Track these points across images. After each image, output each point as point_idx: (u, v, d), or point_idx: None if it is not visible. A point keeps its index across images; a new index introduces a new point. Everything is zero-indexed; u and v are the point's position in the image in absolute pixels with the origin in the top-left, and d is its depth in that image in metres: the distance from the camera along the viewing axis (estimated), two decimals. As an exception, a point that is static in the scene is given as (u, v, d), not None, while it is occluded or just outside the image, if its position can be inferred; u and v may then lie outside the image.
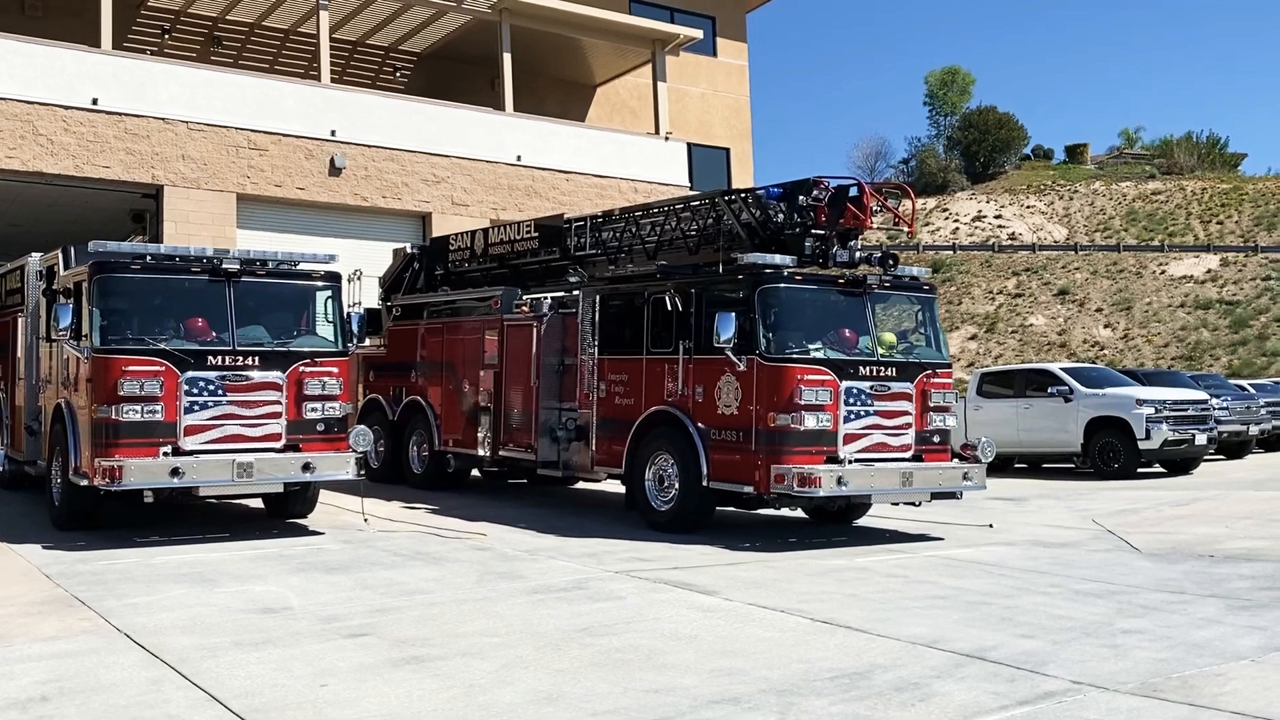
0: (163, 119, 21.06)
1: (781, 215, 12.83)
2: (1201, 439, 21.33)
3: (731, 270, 12.49)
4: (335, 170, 22.21)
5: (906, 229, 13.73)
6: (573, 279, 14.87)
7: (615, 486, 14.84)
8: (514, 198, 24.15)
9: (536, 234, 16.32)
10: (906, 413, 12.43)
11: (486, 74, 25.70)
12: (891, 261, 12.74)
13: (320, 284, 13.24)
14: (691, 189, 25.21)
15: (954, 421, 13.17)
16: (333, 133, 22.32)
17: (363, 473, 12.75)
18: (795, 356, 11.93)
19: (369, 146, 22.67)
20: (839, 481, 11.59)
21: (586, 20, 25.26)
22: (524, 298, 15.96)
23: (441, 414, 16.78)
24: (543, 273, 16.38)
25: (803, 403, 11.71)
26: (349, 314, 13.36)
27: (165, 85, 21.26)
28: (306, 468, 12.30)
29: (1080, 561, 11.12)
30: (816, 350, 12.16)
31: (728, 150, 30.90)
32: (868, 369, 12.23)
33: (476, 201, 23.66)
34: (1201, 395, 22.64)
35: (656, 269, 13.43)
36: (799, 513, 13.95)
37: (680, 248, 13.88)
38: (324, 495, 14.17)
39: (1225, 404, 24.65)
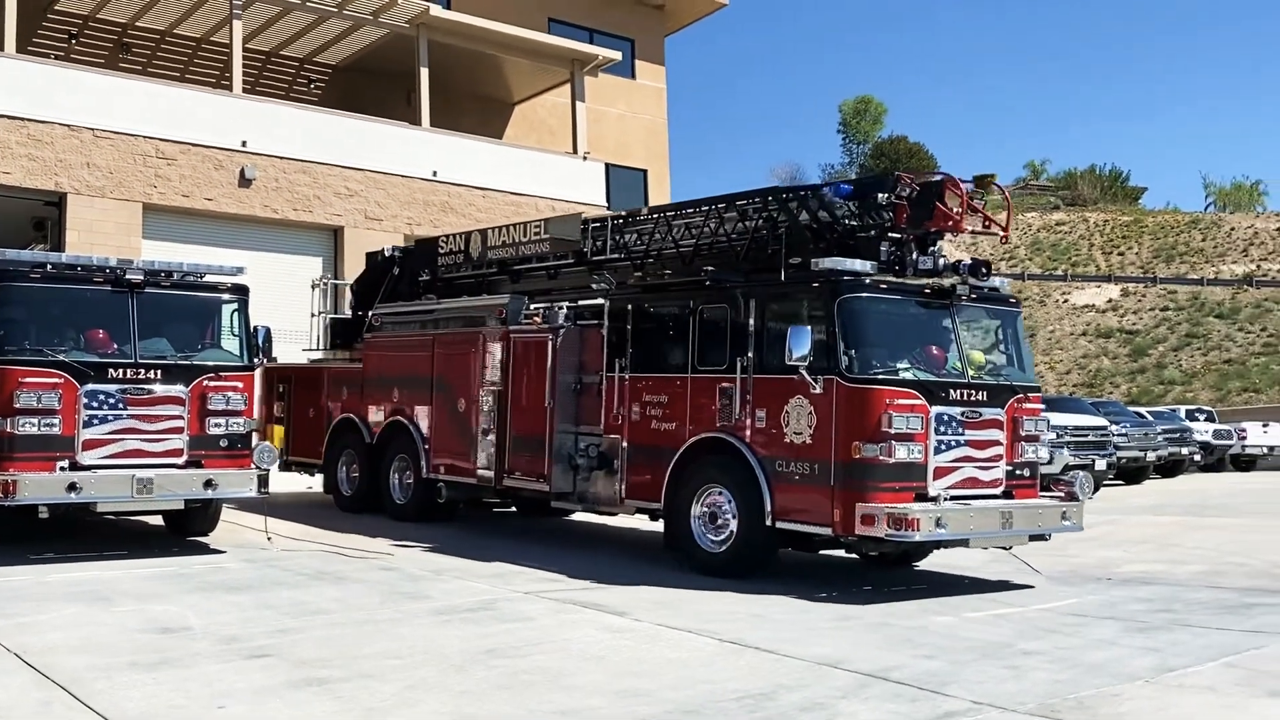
0: (68, 125, 20.55)
1: (850, 216, 11.37)
2: (1101, 464, 21.86)
3: (803, 277, 10.86)
4: (245, 181, 21.85)
5: (1000, 233, 11.84)
6: (597, 286, 13.21)
7: (617, 520, 14.14)
8: (429, 213, 23.98)
9: (548, 236, 14.53)
10: (998, 443, 10.86)
11: (403, 88, 25.53)
12: (985, 270, 11.25)
13: (226, 297, 12.98)
14: (608, 209, 25.25)
15: (1046, 453, 11.62)
16: (244, 143, 21.97)
17: (266, 490, 12.49)
18: (882, 377, 10.34)
19: (281, 158, 22.36)
20: (938, 523, 9.97)
21: (505, 38, 25.22)
22: (532, 307, 14.16)
23: (431, 437, 14.81)
24: (551, 280, 14.80)
25: (893, 431, 10.07)
26: (256, 328, 13.11)
27: (71, 91, 20.76)
28: (209, 484, 12.03)
29: (982, 584, 11.29)
30: (905, 370, 10.62)
31: (645, 171, 31.03)
32: (958, 393, 10.67)
33: (391, 216, 23.45)
34: (1101, 421, 23.22)
35: (706, 276, 11.75)
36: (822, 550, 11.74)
37: (722, 252, 12.18)
38: (227, 513, 13.86)
39: (1124, 431, 25.32)
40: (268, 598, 9.88)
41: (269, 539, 13.22)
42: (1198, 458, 30.18)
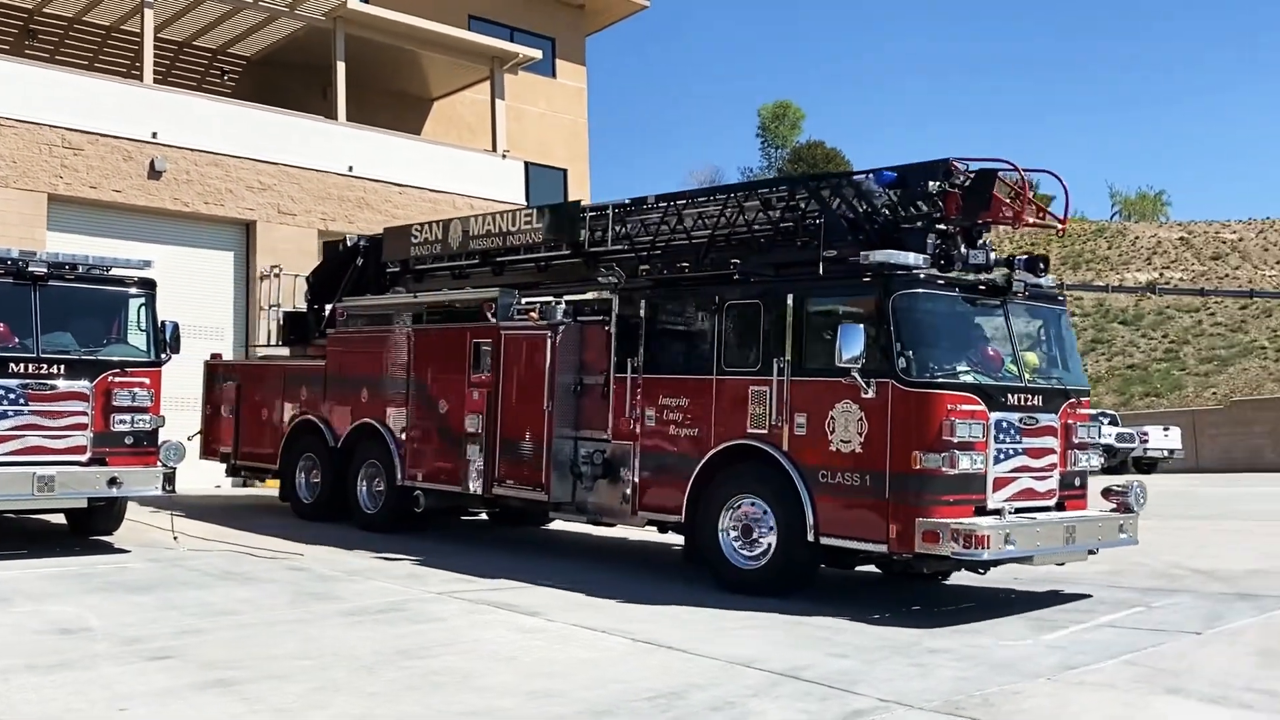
0: (-32, 112, 19.91)
1: (889, 205, 10.64)
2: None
3: (851, 271, 10.08)
4: (155, 173, 21.34)
5: (1058, 226, 10.93)
6: (604, 279, 12.07)
7: (624, 533, 13.49)
8: (344, 209, 23.65)
9: (540, 224, 13.67)
10: (1053, 451, 10.19)
11: (319, 82, 25.14)
12: (1043, 266, 10.54)
13: (133, 290, 12.71)
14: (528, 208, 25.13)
15: (1098, 461, 10.96)
16: (154, 135, 21.46)
17: (171, 488, 12.23)
18: (942, 380, 9.58)
19: (192, 150, 21.87)
20: (1006, 540, 9.16)
21: (424, 34, 24.97)
22: (523, 301, 13.29)
23: (407, 441, 13.80)
24: (541, 272, 13.90)
25: (955, 439, 9.29)
26: (164, 323, 12.83)
27: (-28, 77, 20.11)
28: (113, 482, 11.77)
29: (894, 583, 11.45)
30: (965, 373, 9.88)
31: (565, 171, 30.93)
32: (1016, 397, 9.97)
33: (304, 211, 23.08)
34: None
35: (735, 269, 10.89)
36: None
37: (741, 243, 11.37)
38: (133, 512, 13.57)
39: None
40: (172, 598, 9.69)
41: (175, 538, 12.97)
42: (1101, 460, 30.88)
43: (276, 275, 18.08)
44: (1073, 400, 10.53)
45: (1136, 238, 63.81)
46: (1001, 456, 9.69)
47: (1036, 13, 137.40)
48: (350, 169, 23.86)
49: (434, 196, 24.76)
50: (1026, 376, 10.18)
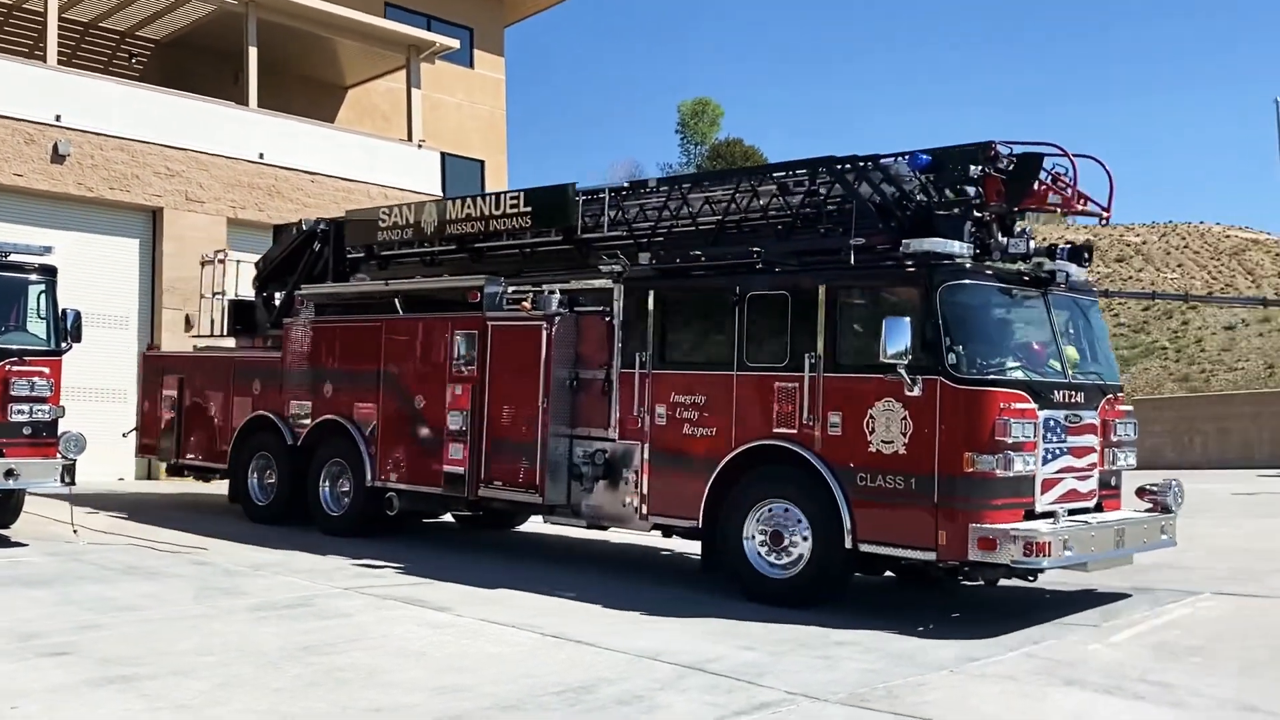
0: None
1: (925, 191, 10.04)
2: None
3: (889, 260, 9.51)
4: (59, 157, 20.76)
5: (1103, 214, 10.21)
6: (607, 268, 11.35)
7: (623, 538, 12.78)
8: (255, 196, 23.23)
9: (529, 209, 12.70)
10: (1093, 449, 9.75)
11: (230, 67, 24.66)
12: (1088, 255, 10.12)
13: (33, 277, 12.40)
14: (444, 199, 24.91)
15: (1134, 459, 10.47)
16: (58, 117, 20.88)
17: (71, 480, 11.93)
18: (994, 378, 9.06)
19: (98, 134, 21.32)
20: (1065, 546, 8.72)
21: (339, 20, 24.62)
22: (511, 290, 12.48)
23: (379, 439, 12.98)
24: (526, 260, 13.03)
25: (1010, 440, 8.80)
26: (65, 311, 12.51)
27: None
28: (9, 474, 11.48)
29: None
30: (1014, 369, 9.37)
31: (483, 162, 30.72)
32: (1061, 394, 9.48)
33: (214, 199, 22.63)
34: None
35: (759, 257, 10.20)
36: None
37: (755, 230, 10.72)
38: (31, 504, 13.21)
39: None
40: (71, 593, 9.46)
41: (75, 531, 12.65)
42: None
43: (221, 261, 16.77)
44: (1110, 396, 10.12)
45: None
46: (1049, 457, 9.23)
47: (948, 13, 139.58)
48: (261, 156, 23.45)
49: (347, 186, 24.44)
50: (1069, 372, 9.71)
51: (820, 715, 6.35)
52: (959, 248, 9.28)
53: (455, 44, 27.49)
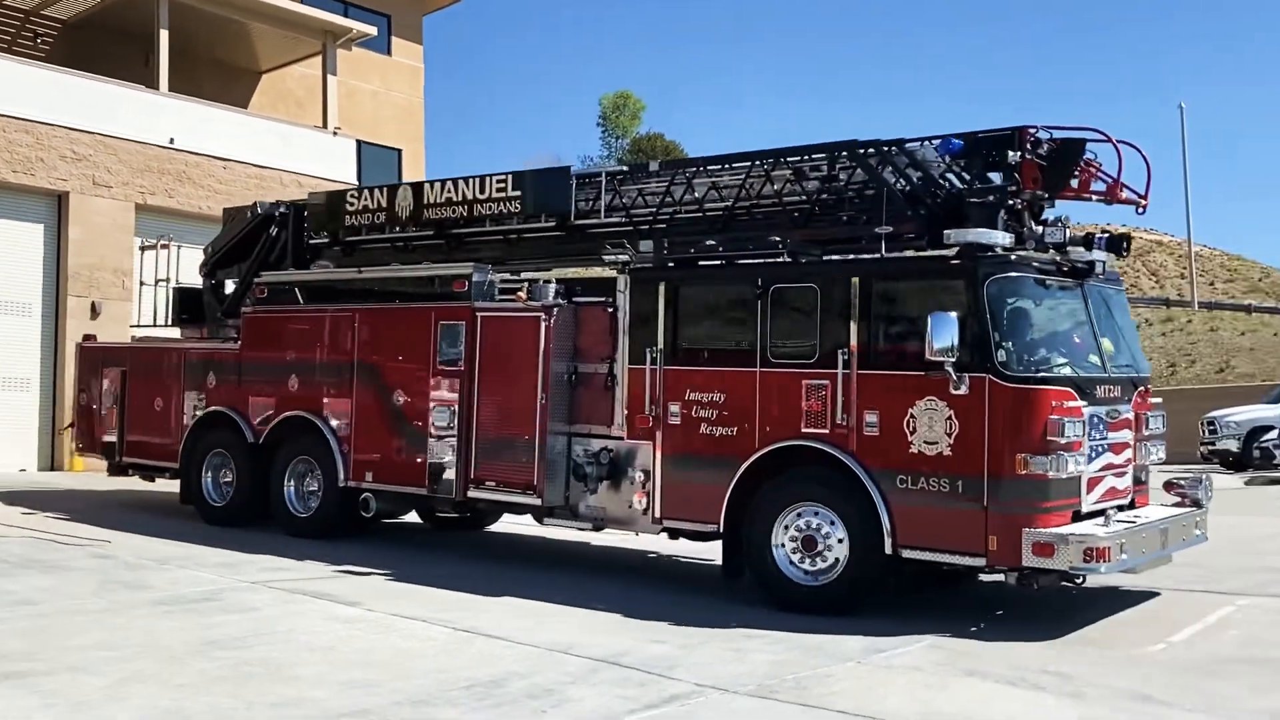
0: None
1: (953, 177, 9.68)
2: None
3: (930, 250, 9.22)
4: (-42, 138, 20.16)
5: (1141, 203, 9.76)
6: (611, 256, 10.85)
7: (623, 542, 12.19)
8: (164, 182, 22.74)
9: (519, 193, 11.99)
10: (1128, 445, 9.47)
11: (140, 49, 24.09)
12: (1126, 246, 9.73)
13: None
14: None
15: (1163, 453, 10.19)
16: (-43, 97, 20.27)
17: None
18: (1043, 375, 8.69)
19: (0, 116, 20.72)
20: (1121, 549, 8.40)
21: (253, 4, 24.17)
22: (498, 279, 11.82)
23: (353, 436, 12.23)
24: (510, 247, 12.41)
25: (1062, 440, 8.44)
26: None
27: None
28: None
29: (699, 569, 11.65)
30: (1061, 365, 9.03)
31: (399, 151, 30.40)
32: (1102, 389, 9.17)
33: (122, 184, 22.11)
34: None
35: (786, 248, 9.67)
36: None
37: (769, 217, 10.30)
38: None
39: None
40: (-35, 588, 9.19)
41: (-29, 524, 12.29)
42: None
43: (164, 246, 15.84)
44: (1142, 389, 9.84)
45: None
46: (1093, 454, 8.87)
47: (868, 9, 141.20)
48: (172, 141, 22.96)
49: (260, 173, 24.04)
50: (1108, 366, 9.42)
51: (729, 707, 6.40)
52: (1003, 238, 8.89)
53: (373, 31, 27.17)
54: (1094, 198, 9.73)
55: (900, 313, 9.12)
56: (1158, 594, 9.90)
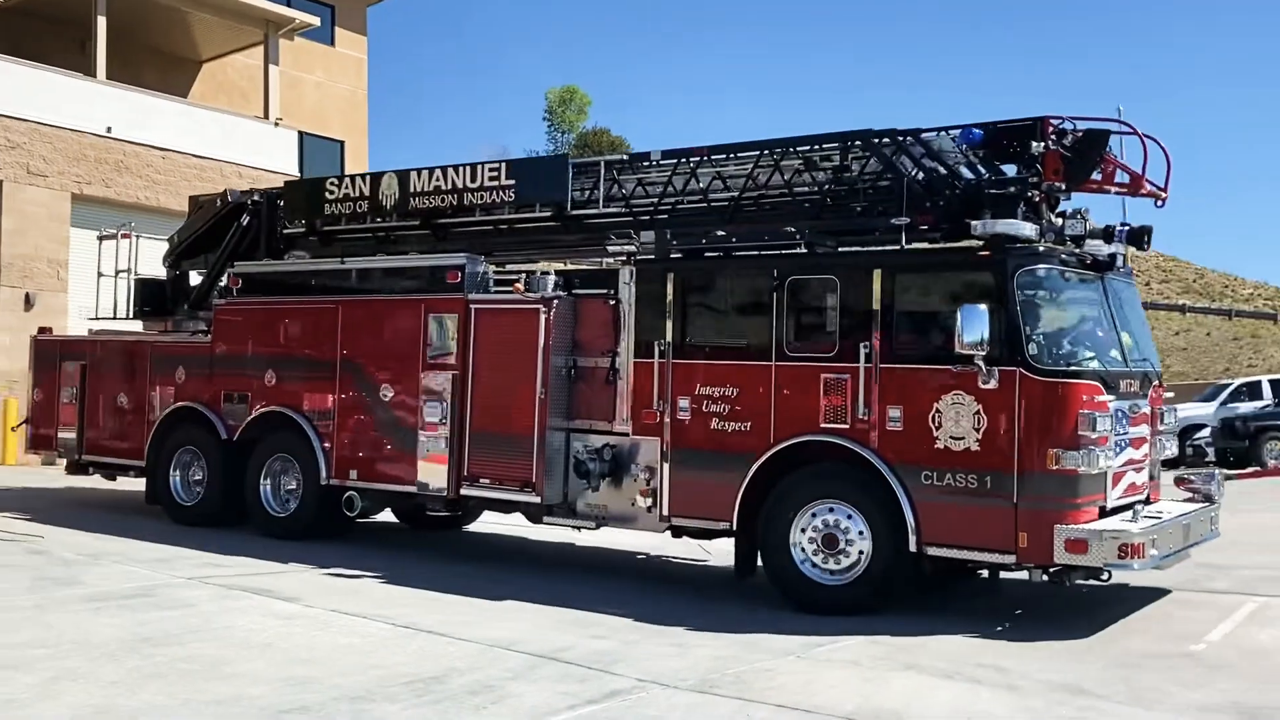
0: None
1: (972, 167, 9.48)
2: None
3: (949, 241, 9.22)
4: (-114, 124, 19.70)
5: (1162, 197, 9.61)
6: (616, 248, 10.58)
7: (613, 541, 11.89)
8: (102, 172, 22.39)
9: (513, 181, 11.63)
10: (1146, 440, 9.40)
11: (78, 36, 23.70)
12: (1147, 239, 9.52)
13: None
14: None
15: (1176, 449, 10.28)
16: (-114, 82, 19.81)
17: None
18: (1073, 369, 8.64)
19: (-69, 102, 20.32)
20: (1153, 545, 8.29)
21: (194, -8, 23.90)
22: (485, 270, 11.44)
23: (336, 433, 11.82)
24: (500, 237, 12.04)
25: (1094, 435, 8.36)
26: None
27: None
28: None
29: (663, 566, 11.67)
30: (1090, 359, 8.96)
31: (342, 143, 30.16)
32: (1125, 383, 9.10)
33: (57, 173, 21.73)
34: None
35: (803, 238, 9.55)
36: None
37: (778, 208, 10.08)
38: None
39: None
40: (-111, 584, 8.99)
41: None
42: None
43: (125, 235, 15.17)
44: (1156, 384, 9.81)
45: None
46: (1117, 450, 8.76)
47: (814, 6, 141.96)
48: (109, 130, 22.63)
49: (200, 163, 23.75)
50: (1128, 360, 9.36)
51: (669, 702, 6.41)
52: (1031, 229, 8.75)
53: (316, 21, 26.96)
54: (1115, 190, 9.61)
55: (925, 305, 9.02)
56: (1170, 591, 9.83)
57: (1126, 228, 9.44)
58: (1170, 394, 10.22)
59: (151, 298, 14.64)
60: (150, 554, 10.94)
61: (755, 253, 9.82)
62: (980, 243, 8.76)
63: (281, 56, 26.10)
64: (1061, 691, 6.76)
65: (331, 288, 12.33)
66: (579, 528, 10.84)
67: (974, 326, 8.21)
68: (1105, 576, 8.64)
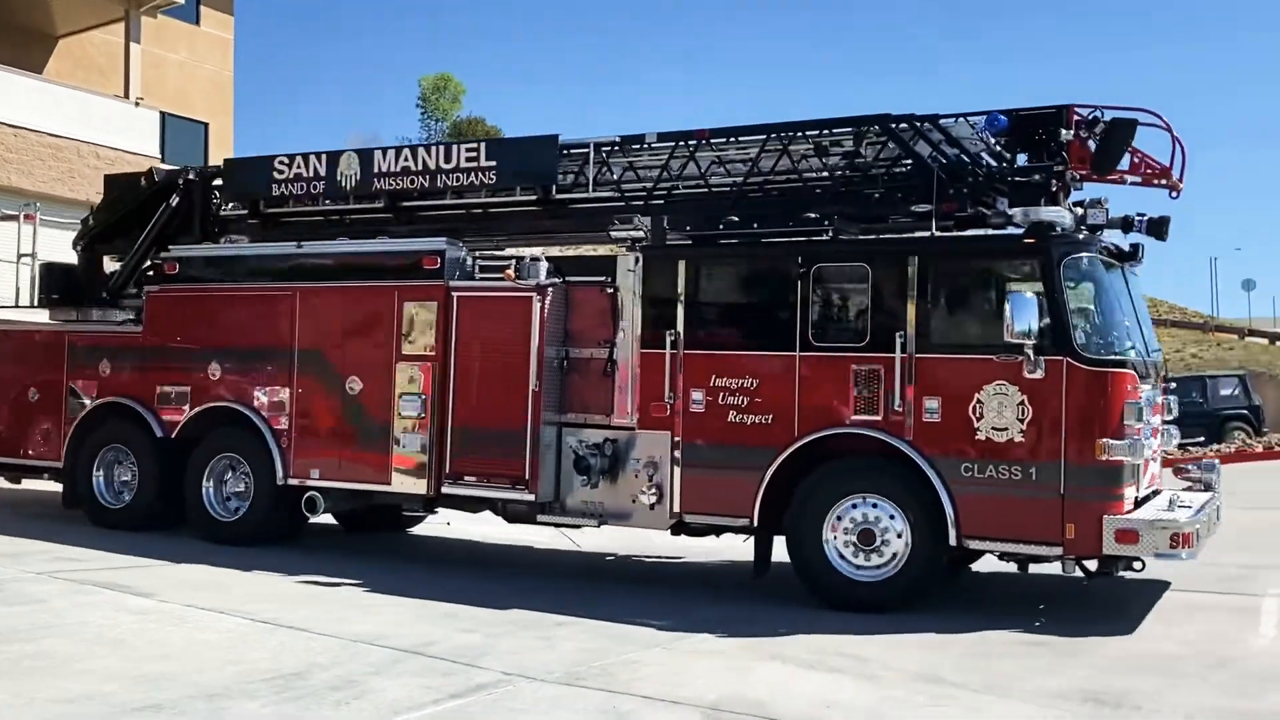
0: None
1: (995, 155, 9.40)
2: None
3: (973, 228, 9.13)
4: None
5: (1177, 189, 9.58)
6: (620, 233, 10.09)
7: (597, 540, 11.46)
8: (-52, 149, 21.37)
9: (493, 163, 11.08)
10: (1159, 429, 9.52)
11: (-78, 5, 22.59)
12: (1166, 229, 9.41)
13: None
14: (162, 161, 23.55)
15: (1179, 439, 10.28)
16: None
17: None
18: (1117, 358, 8.59)
19: None
20: (1197, 536, 8.28)
21: (50, -37, 22.97)
22: (464, 255, 10.86)
23: (294, 429, 11.08)
24: (473, 222, 11.49)
25: (1136, 424, 8.36)
26: None
27: None
28: None
29: (526, 556, 11.64)
30: (1128, 348, 8.90)
31: (206, 125, 29.32)
32: (1150, 372, 9.16)
33: (-102, 149, 20.69)
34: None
35: (832, 225, 9.32)
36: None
37: (784, 194, 9.88)
38: None
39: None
40: None
41: None
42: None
43: (29, 217, 14.03)
44: (1162, 373, 9.90)
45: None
46: (1144, 439, 8.70)
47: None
48: (-44, 105, 21.58)
49: (55, 142, 22.82)
50: (1149, 349, 9.43)
51: (535, 695, 6.40)
52: (1070, 218, 8.72)
53: (180, -1, 26.14)
54: (1131, 180, 9.56)
55: (965, 294, 8.96)
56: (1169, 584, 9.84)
57: (1146, 218, 9.32)
58: (1172, 383, 10.42)
59: (59, 285, 13.31)
60: (1, 548, 10.50)
61: (778, 239, 9.56)
62: (1020, 230, 8.70)
63: (144, 34, 25.26)
64: (919, 680, 6.93)
65: (287, 273, 11.45)
66: (577, 526, 10.41)
67: (1024, 315, 8.12)
68: (1139, 568, 8.68)
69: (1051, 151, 9.21)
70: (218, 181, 12.84)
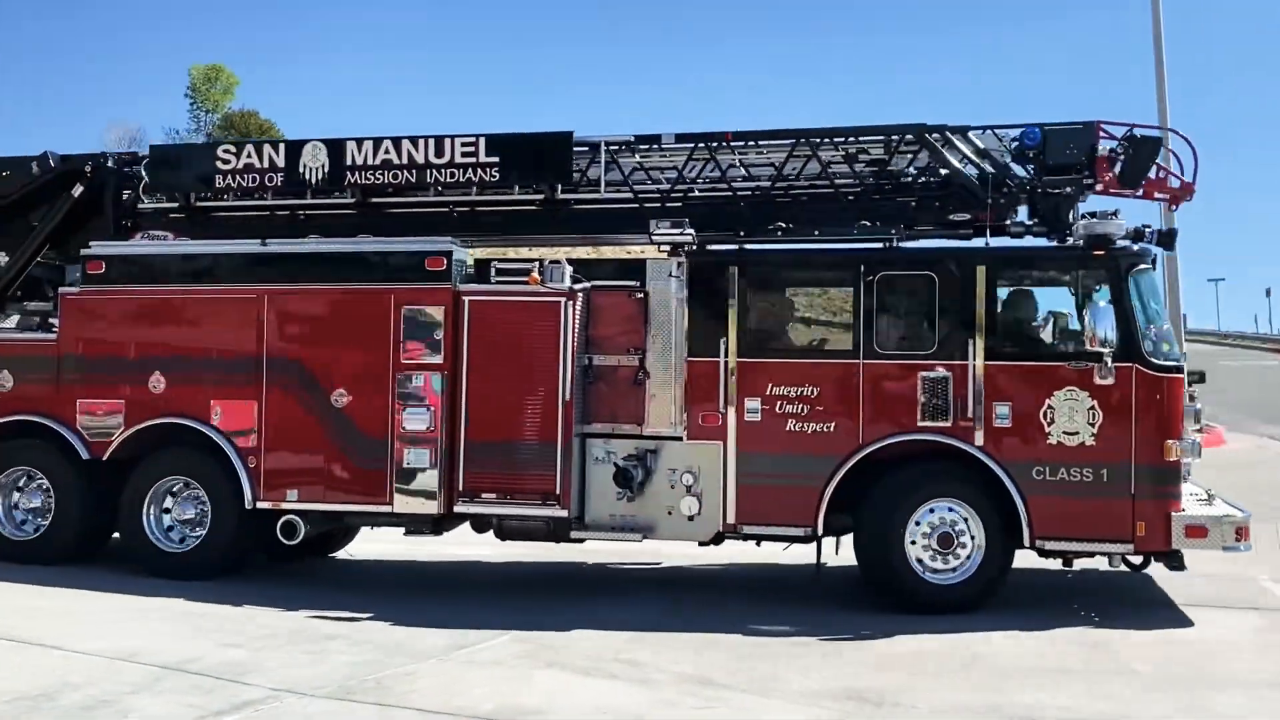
0: None
1: (1021, 167, 9.74)
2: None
3: (1010, 238, 9.51)
4: None
5: (1190, 192, 10.11)
6: (660, 237, 9.57)
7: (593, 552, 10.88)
8: None
9: (495, 158, 10.52)
10: None
11: None
12: (1173, 240, 9.97)
13: None
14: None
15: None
16: None
17: None
18: (1176, 364, 9.08)
19: None
20: (1248, 531, 8.83)
21: None
22: (461, 258, 10.05)
23: (265, 447, 9.97)
24: (453, 221, 10.76)
25: (1194, 426, 9.04)
26: None
27: None
28: None
29: (313, 566, 11.33)
30: (1183, 354, 9.43)
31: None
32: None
33: None
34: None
35: (896, 234, 9.53)
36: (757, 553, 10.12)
37: (813, 200, 9.98)
38: None
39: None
40: None
41: None
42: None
43: None
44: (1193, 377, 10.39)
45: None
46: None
47: None
48: None
49: None
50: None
51: (304, 711, 6.27)
52: (1126, 228, 9.21)
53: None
54: (1186, 198, 10.12)
55: (1032, 303, 9.37)
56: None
57: (1155, 231, 9.65)
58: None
59: None
60: None
61: (837, 246, 9.77)
62: (1081, 241, 9.18)
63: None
64: (692, 683, 7.11)
65: (250, 275, 10.33)
66: (619, 540, 9.86)
67: (1104, 324, 8.67)
68: (1180, 567, 9.12)
69: (1079, 167, 9.70)
70: (136, 170, 11.59)
